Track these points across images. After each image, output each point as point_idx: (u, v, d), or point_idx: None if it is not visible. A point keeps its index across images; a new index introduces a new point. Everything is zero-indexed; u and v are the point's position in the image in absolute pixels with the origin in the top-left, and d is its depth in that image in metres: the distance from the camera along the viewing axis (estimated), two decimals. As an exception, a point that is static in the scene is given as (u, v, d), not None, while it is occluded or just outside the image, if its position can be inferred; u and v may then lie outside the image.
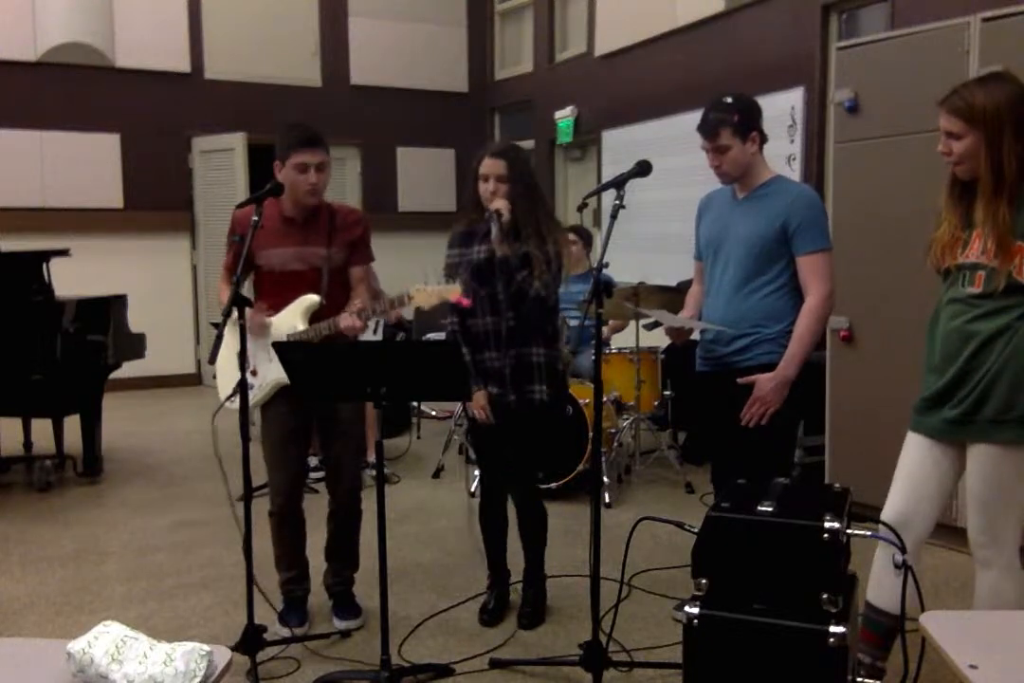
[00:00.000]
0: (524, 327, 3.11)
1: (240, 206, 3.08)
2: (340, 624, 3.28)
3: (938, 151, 2.38)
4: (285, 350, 2.68)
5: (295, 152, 3.05)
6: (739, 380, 2.94)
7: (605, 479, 4.67)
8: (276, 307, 3.16)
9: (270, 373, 3.11)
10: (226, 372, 3.23)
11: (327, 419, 3.25)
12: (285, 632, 3.15)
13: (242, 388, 2.84)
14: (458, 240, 3.19)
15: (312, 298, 3.12)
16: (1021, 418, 2.28)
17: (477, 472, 4.77)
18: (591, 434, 4.11)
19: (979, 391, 2.32)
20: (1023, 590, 2.35)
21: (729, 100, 2.99)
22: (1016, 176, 2.25)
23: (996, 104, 2.24)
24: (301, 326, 3.11)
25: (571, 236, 5.45)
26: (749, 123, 2.97)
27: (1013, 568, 2.35)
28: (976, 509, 2.37)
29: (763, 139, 3.02)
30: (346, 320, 3.02)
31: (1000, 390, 2.30)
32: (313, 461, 5.24)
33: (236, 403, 2.94)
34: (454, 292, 2.78)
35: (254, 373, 3.17)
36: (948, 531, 4.01)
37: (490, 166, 3.04)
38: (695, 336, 3.23)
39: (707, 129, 2.98)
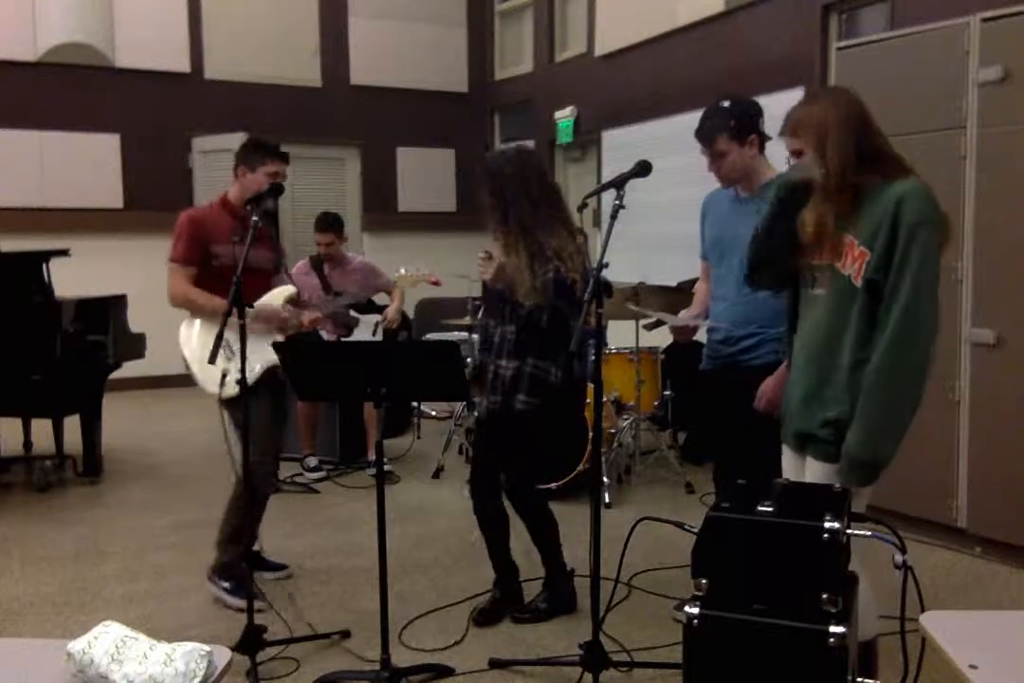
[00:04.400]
0: (536, 339, 3.14)
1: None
2: (276, 575, 3.66)
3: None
4: (285, 350, 2.69)
5: (271, 161, 3.33)
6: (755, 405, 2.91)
7: (605, 479, 4.68)
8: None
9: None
10: (200, 358, 3.24)
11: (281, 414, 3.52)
12: (239, 603, 3.23)
13: (243, 387, 2.85)
14: None
15: (290, 288, 3.45)
16: (835, 434, 2.32)
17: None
18: (591, 434, 4.10)
19: (820, 401, 2.35)
20: (868, 593, 2.37)
21: (726, 105, 2.97)
22: (839, 172, 2.24)
23: (819, 112, 2.28)
24: (283, 314, 3.38)
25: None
26: (746, 127, 2.95)
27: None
28: None
29: (763, 139, 3.01)
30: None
31: (829, 402, 2.33)
32: (313, 461, 5.25)
33: (223, 389, 3.16)
34: (431, 276, 3.20)
35: (229, 359, 3.22)
36: (948, 531, 4.01)
37: None
38: (700, 337, 3.23)
39: (704, 136, 2.98)
